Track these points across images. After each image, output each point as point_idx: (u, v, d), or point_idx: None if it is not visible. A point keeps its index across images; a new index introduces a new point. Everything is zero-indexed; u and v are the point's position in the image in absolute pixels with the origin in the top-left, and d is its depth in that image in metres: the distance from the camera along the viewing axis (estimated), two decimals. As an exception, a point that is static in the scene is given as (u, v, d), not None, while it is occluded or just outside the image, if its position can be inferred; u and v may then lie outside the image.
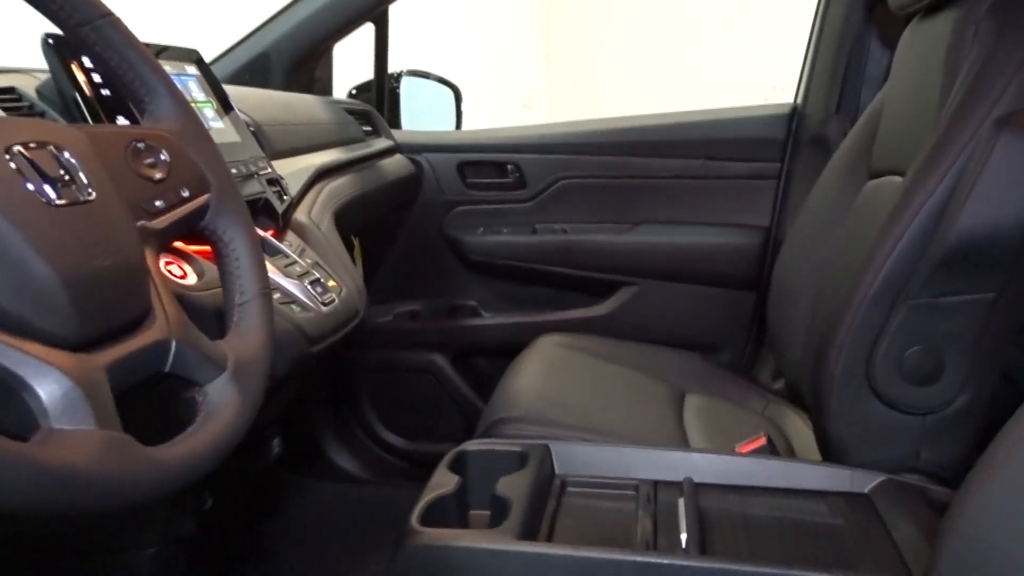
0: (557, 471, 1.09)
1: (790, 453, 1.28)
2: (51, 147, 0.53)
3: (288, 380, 0.94)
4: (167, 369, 0.56)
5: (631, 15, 5.23)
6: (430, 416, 1.87)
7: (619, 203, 1.82)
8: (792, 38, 1.84)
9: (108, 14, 0.64)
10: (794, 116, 1.74)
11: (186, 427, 0.57)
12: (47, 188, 0.51)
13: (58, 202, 0.51)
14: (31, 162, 0.51)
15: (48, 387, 0.46)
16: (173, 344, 0.56)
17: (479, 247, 1.87)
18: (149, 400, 0.54)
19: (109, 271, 0.53)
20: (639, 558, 0.85)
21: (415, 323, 1.90)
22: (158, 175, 0.63)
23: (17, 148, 0.51)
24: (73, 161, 0.54)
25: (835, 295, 1.21)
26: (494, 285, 1.91)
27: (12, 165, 0.50)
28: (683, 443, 1.27)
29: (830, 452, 1.16)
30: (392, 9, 1.81)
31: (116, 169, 0.59)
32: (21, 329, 0.47)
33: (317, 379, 1.71)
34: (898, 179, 1.18)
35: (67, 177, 0.53)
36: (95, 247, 0.53)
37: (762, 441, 1.14)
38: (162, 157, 0.64)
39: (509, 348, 1.61)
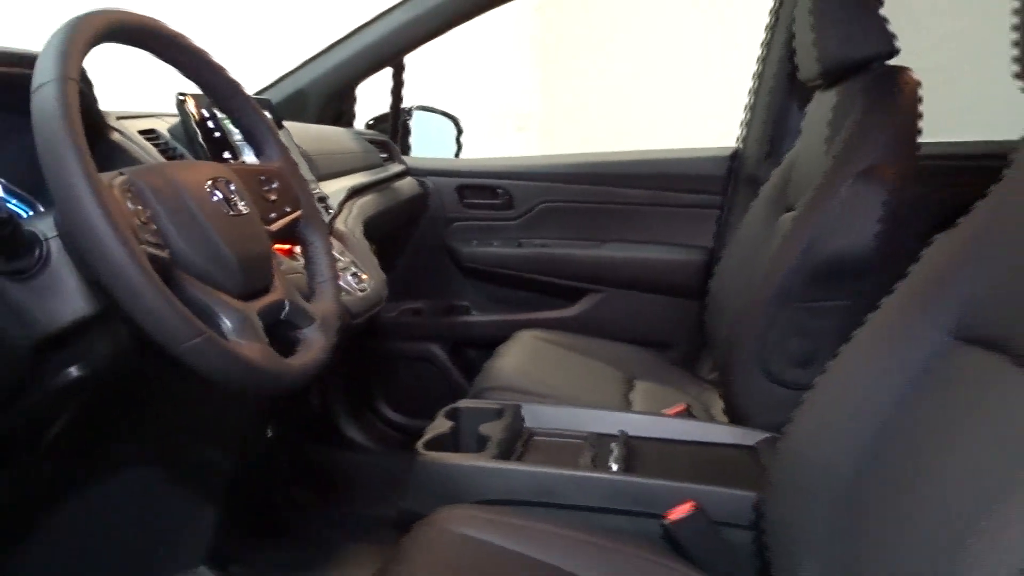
0: (526, 424, 1.44)
1: (709, 420, 1.64)
2: (224, 179, 0.89)
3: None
4: (283, 317, 0.91)
5: (621, 46, 5.58)
6: (427, 397, 2.19)
7: (590, 224, 2.14)
8: (738, 95, 2.19)
9: (247, 96, 1.00)
10: (735, 158, 2.10)
11: (289, 355, 0.92)
12: (227, 204, 0.87)
13: (231, 213, 0.87)
14: (217, 188, 0.87)
15: (230, 317, 0.81)
16: (287, 302, 0.92)
17: (473, 256, 2.20)
18: (272, 335, 0.89)
19: (256, 256, 0.89)
20: (580, 473, 1.21)
21: (417, 319, 2.23)
22: (272, 197, 0.99)
23: (210, 180, 0.87)
24: (235, 188, 0.90)
25: (747, 302, 1.57)
26: (484, 288, 2.24)
27: (208, 190, 0.86)
28: (626, 410, 1.63)
29: (734, 417, 1.52)
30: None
31: (252, 192, 0.95)
32: (215, 285, 0.82)
33: (335, 365, 2.04)
34: (799, 213, 1.55)
35: (234, 199, 0.88)
36: (249, 240, 0.88)
37: (682, 408, 1.50)
38: (274, 185, 1.00)
39: (495, 341, 1.93)
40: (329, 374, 1.98)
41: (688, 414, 1.50)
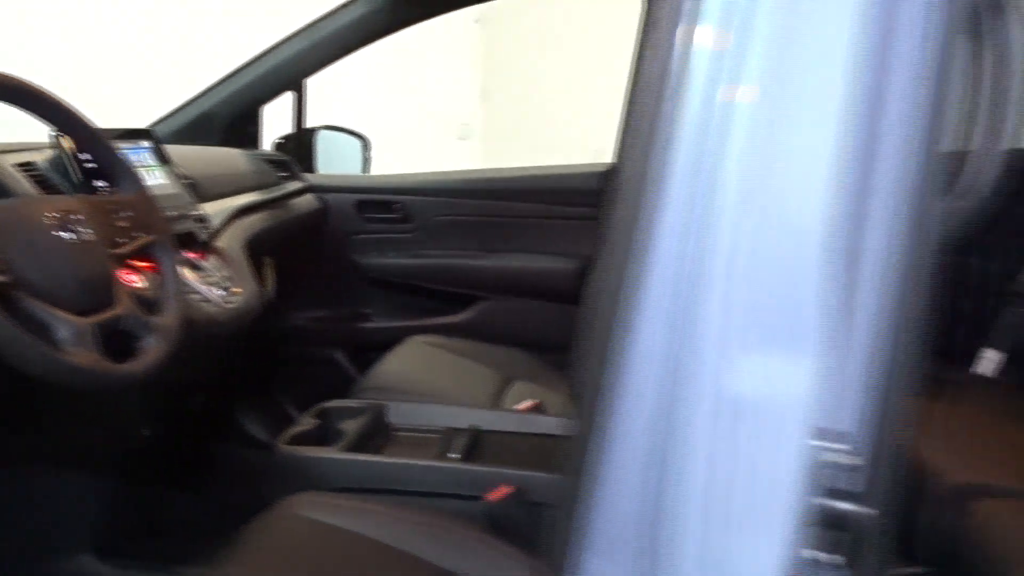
0: (391, 421, 1.60)
1: (563, 415, 1.80)
2: (67, 212, 1.04)
3: (206, 347, 1.44)
4: (123, 328, 1.06)
5: (562, 56, 5.75)
6: (329, 399, 2.35)
7: (479, 235, 2.29)
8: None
9: (98, 136, 1.15)
10: (610, 173, 2.27)
11: (130, 359, 1.07)
12: (68, 234, 1.01)
13: (72, 240, 1.02)
14: (60, 222, 1.01)
15: (64, 330, 0.95)
16: (126, 317, 1.06)
17: (373, 267, 2.35)
18: (112, 344, 1.03)
19: (95, 276, 1.03)
20: (415, 462, 1.37)
21: (322, 325, 2.38)
22: (124, 224, 1.14)
23: (52, 214, 1.01)
24: (80, 218, 1.04)
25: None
26: (384, 297, 2.39)
27: (48, 223, 1.00)
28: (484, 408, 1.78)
29: (579, 412, 1.68)
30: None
31: (101, 221, 1.09)
32: (54, 302, 0.96)
33: (241, 369, 2.18)
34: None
35: (78, 228, 1.03)
36: (88, 264, 1.03)
37: (532, 404, 1.66)
38: (128, 214, 1.15)
39: (392, 346, 2.10)
40: (234, 376, 2.12)
41: (538, 410, 1.66)
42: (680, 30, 0.48)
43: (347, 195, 2.34)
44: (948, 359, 1.85)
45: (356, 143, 2.58)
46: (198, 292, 1.40)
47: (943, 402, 1.53)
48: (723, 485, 0.46)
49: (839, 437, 0.48)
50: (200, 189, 1.68)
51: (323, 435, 1.52)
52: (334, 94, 3.04)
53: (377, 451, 1.47)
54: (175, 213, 1.48)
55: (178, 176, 1.60)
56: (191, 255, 1.47)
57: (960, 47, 0.63)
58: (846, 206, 0.47)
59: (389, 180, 2.38)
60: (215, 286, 1.46)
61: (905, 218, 0.48)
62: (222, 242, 1.63)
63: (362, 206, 2.34)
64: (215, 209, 1.69)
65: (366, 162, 2.58)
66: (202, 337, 1.37)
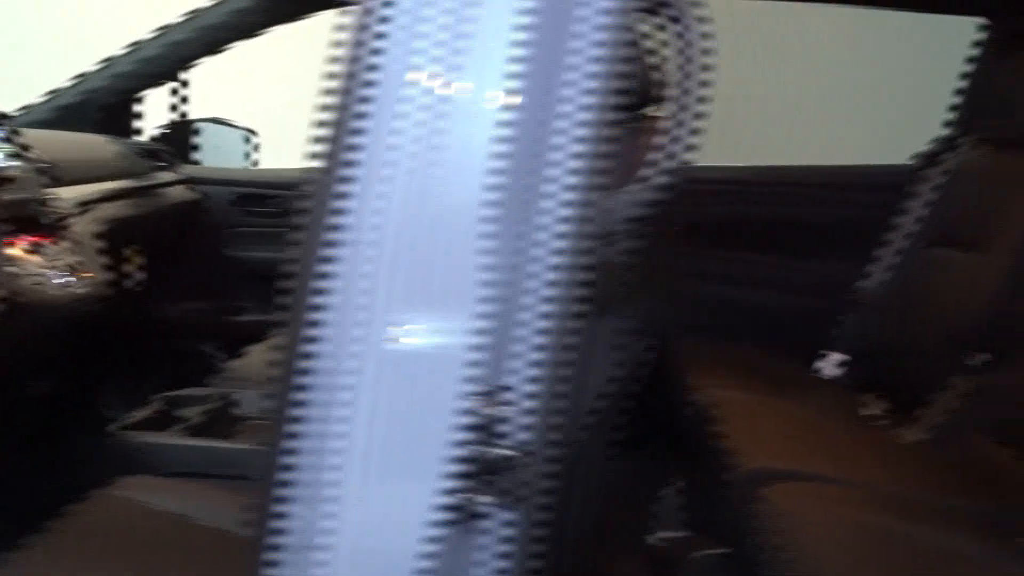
0: (243, 409, 1.61)
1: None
2: None
3: (45, 331, 1.44)
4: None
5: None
6: None
7: None
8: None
9: None
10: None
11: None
12: None
13: None
14: None
15: None
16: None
17: (250, 261, 2.35)
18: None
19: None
20: (251, 447, 1.38)
21: (195, 317, 2.37)
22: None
23: None
24: None
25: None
26: (260, 290, 2.40)
27: None
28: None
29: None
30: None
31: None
32: None
33: (100, 357, 2.14)
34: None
35: None
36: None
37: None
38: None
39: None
40: (90, 363, 2.09)
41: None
42: (363, 27, 0.53)
43: (226, 188, 2.34)
44: (791, 360, 1.95)
45: (241, 136, 2.58)
46: (35, 274, 1.39)
47: (770, 397, 1.62)
48: (383, 436, 0.50)
49: (501, 391, 0.52)
50: (57, 173, 1.66)
51: (166, 421, 1.53)
52: (255, 94, 3.04)
53: (220, 438, 1.49)
54: (18, 195, 1.47)
55: (30, 159, 1.58)
56: (35, 238, 1.46)
57: (637, 46, 0.69)
58: (509, 186, 0.52)
59: (267, 174, 2.39)
60: (60, 270, 1.46)
61: (570, 210, 0.54)
62: (76, 227, 1.62)
63: (240, 199, 2.35)
64: (71, 194, 1.67)
65: (249, 156, 2.57)
66: (38, 320, 1.37)
